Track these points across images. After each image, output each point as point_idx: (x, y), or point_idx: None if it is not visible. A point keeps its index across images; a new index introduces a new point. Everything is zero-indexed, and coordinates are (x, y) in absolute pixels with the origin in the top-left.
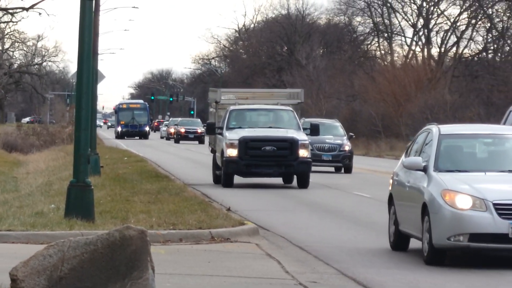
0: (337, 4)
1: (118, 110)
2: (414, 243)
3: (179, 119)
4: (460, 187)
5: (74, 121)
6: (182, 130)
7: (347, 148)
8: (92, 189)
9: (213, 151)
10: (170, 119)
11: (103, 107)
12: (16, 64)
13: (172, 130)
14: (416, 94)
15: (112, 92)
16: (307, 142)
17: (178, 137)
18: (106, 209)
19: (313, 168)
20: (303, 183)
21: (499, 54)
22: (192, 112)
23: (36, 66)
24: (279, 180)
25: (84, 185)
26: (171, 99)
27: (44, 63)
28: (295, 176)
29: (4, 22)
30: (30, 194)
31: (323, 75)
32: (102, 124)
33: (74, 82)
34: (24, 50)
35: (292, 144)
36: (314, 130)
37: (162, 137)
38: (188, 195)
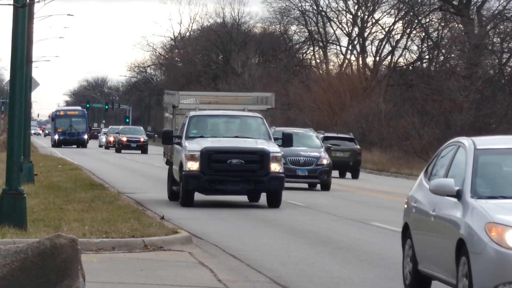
0: (272, 13)
1: (55, 117)
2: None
3: (120, 127)
4: (511, 219)
5: (7, 129)
6: (124, 138)
7: (325, 161)
8: (25, 197)
9: (169, 163)
10: (110, 127)
11: (38, 114)
12: None
13: (111, 139)
14: (351, 102)
15: (47, 99)
16: (279, 154)
17: (120, 146)
18: (39, 217)
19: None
20: (274, 202)
21: (434, 64)
22: (127, 120)
23: None
24: (243, 198)
25: (17, 193)
26: (106, 107)
27: None
28: (262, 194)
29: None
30: None
31: (259, 84)
32: (40, 132)
33: (8, 89)
34: None
35: (262, 157)
36: (287, 140)
37: (101, 146)
38: (122, 204)
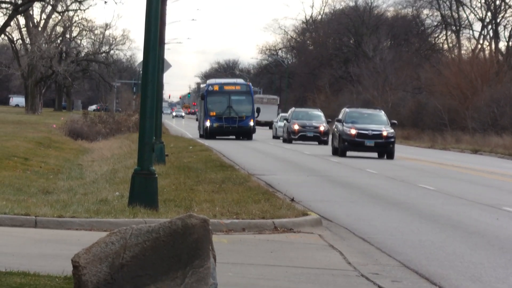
0: None
1: (206, 94)
2: None
3: (347, 109)
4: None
5: (139, 110)
6: (353, 131)
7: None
8: (156, 178)
9: None
10: (293, 109)
11: (169, 96)
12: (84, 52)
13: (296, 127)
14: (482, 87)
15: (178, 81)
16: None
17: (347, 144)
18: (170, 197)
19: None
20: None
21: None
22: None
23: (104, 54)
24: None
25: (148, 173)
26: None
27: (112, 52)
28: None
29: (72, 10)
30: (95, 181)
31: (390, 67)
32: (183, 114)
33: (140, 70)
34: (92, 39)
35: None
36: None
37: (276, 137)
38: (252, 185)
